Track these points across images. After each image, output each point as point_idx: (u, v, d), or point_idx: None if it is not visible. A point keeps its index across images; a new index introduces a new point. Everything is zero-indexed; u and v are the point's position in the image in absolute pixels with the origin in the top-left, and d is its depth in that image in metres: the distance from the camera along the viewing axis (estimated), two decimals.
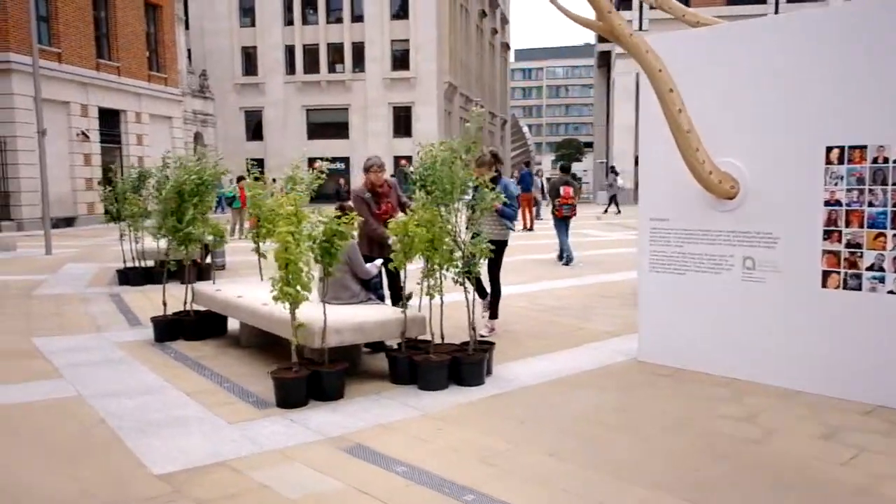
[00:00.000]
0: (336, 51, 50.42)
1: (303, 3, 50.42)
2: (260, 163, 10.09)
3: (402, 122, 49.49)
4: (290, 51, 50.77)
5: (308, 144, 49.08)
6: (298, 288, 5.21)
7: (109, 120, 30.31)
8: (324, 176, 8.30)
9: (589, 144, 58.16)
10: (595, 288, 10.56)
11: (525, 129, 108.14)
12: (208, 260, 11.89)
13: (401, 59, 49.65)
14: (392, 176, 31.93)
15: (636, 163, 40.22)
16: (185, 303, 7.73)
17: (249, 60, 51.62)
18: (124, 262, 11.96)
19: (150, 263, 11.85)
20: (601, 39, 50.14)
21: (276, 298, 5.25)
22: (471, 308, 5.80)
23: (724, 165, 5.51)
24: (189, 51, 47.91)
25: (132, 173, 11.91)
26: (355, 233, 5.82)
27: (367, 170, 7.19)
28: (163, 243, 11.40)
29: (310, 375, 5.28)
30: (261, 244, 7.97)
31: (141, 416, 5.01)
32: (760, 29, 5.68)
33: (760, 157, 5.42)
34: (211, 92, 48.02)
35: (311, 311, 5.53)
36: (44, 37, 26.00)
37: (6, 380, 6.00)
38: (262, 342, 7.09)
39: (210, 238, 7.84)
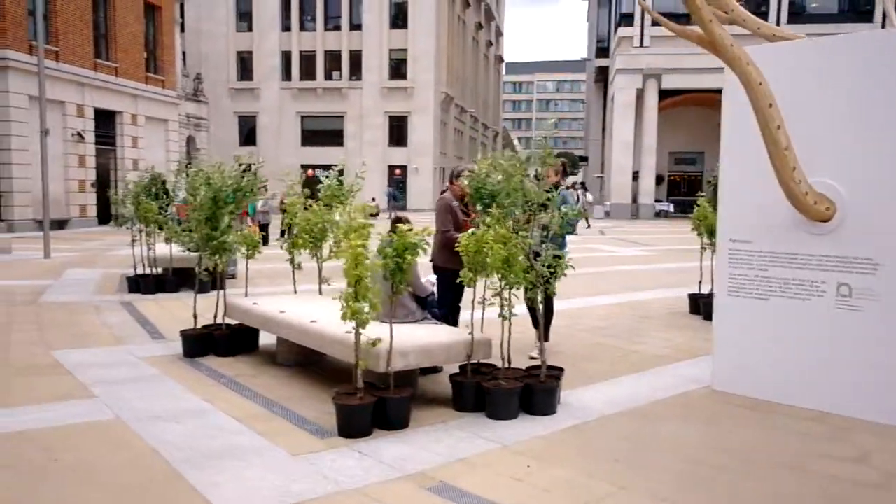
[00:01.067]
0: (333, 58, 50.07)
1: (300, 10, 50.06)
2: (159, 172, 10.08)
3: (398, 131, 49.17)
4: (286, 57, 50.36)
5: (302, 152, 48.65)
6: (367, 307, 4.79)
7: (105, 121, 29.69)
8: (360, 181, 7.95)
9: (584, 158, 57.99)
10: (631, 307, 10.19)
11: (516, 142, 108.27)
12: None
13: (398, 69, 49.40)
14: (388, 187, 31.19)
15: (634, 178, 40.15)
16: (216, 316, 7.27)
17: (245, 65, 51.17)
18: (135, 268, 11.45)
19: (159, 270, 11.36)
20: (599, 54, 50.18)
21: (344, 317, 4.82)
22: (540, 330, 5.40)
23: (819, 186, 5.16)
24: (184, 53, 47.34)
25: (145, 176, 11.43)
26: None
27: (457, 177, 6.79)
28: (175, 250, 11.12)
29: (375, 402, 4.86)
30: (296, 255, 7.61)
31: (194, 445, 4.56)
32: (868, 43, 5.35)
33: (861, 178, 5.08)
34: (205, 96, 47.42)
35: (368, 331, 5.10)
36: (41, 35, 25.40)
37: (36, 399, 5.53)
38: (301, 360, 6.66)
39: (243, 249, 7.36)
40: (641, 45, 38.96)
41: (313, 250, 7.58)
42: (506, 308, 5.25)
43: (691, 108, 41.73)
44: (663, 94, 39.27)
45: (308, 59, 50.20)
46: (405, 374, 5.35)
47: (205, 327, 7.25)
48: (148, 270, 11.44)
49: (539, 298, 5.41)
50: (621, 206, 39.49)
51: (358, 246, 4.77)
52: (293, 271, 7.61)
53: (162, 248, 11.32)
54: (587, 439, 4.78)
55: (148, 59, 32.84)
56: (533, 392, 5.22)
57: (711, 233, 8.81)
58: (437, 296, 6.58)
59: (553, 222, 5.61)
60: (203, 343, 7.04)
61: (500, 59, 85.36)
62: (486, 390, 5.19)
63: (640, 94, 39.28)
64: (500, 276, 5.24)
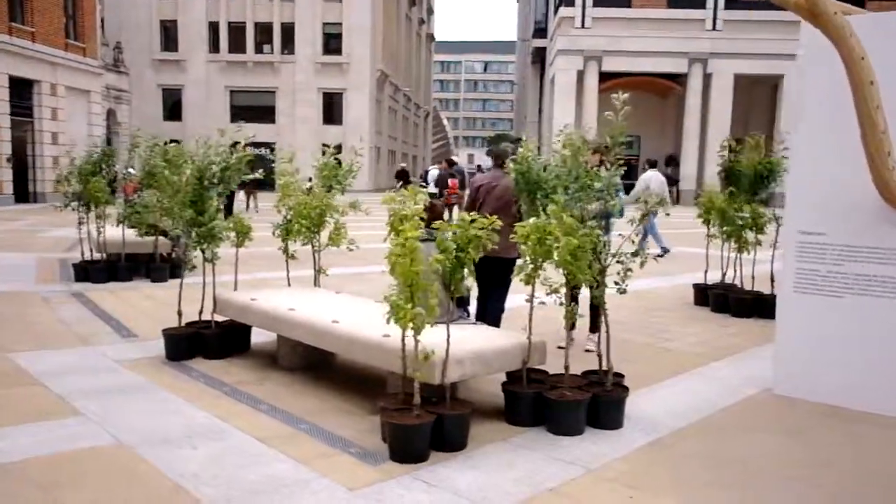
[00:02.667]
0: (264, 30, 48.13)
1: None
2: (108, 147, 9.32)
3: (333, 108, 47.76)
4: (213, 27, 48.11)
5: (231, 128, 46.61)
6: (422, 311, 4.08)
7: (21, 91, 27.49)
8: (359, 159, 7.24)
9: (520, 140, 57.59)
10: (634, 297, 9.68)
11: (445, 122, 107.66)
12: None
13: (332, 43, 47.89)
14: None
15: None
16: (201, 312, 6.39)
17: (169, 35, 48.65)
18: (82, 254, 10.31)
19: (102, 256, 10.23)
20: (536, 35, 49.92)
21: (398, 322, 4.10)
22: (608, 332, 4.82)
23: None
24: (102, 20, 44.59)
25: (94, 152, 10.26)
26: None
27: (502, 158, 6.14)
28: (129, 233, 10.05)
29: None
30: (290, 244, 6.80)
31: (225, 479, 3.78)
32: None
33: None
34: (126, 66, 44.79)
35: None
36: None
37: (9, 418, 4.60)
38: (306, 363, 5.90)
39: (232, 235, 6.48)
40: (583, 26, 38.78)
41: (308, 237, 6.80)
42: (567, 305, 4.63)
43: (629, 91, 41.82)
44: (602, 77, 39.25)
45: (237, 31, 48.07)
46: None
47: (189, 325, 6.37)
48: (96, 256, 10.32)
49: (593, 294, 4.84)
50: None
51: (415, 237, 4.05)
52: (286, 261, 6.80)
53: (113, 231, 10.20)
54: (674, 461, 4.22)
55: (67, 23, 30.55)
56: (600, 403, 4.64)
57: (723, 221, 8.40)
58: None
59: (615, 210, 5.06)
60: (190, 343, 6.17)
61: (431, 38, 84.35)
62: (550, 402, 4.57)
63: (580, 76, 39.16)
64: (565, 270, 4.61)
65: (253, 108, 47.65)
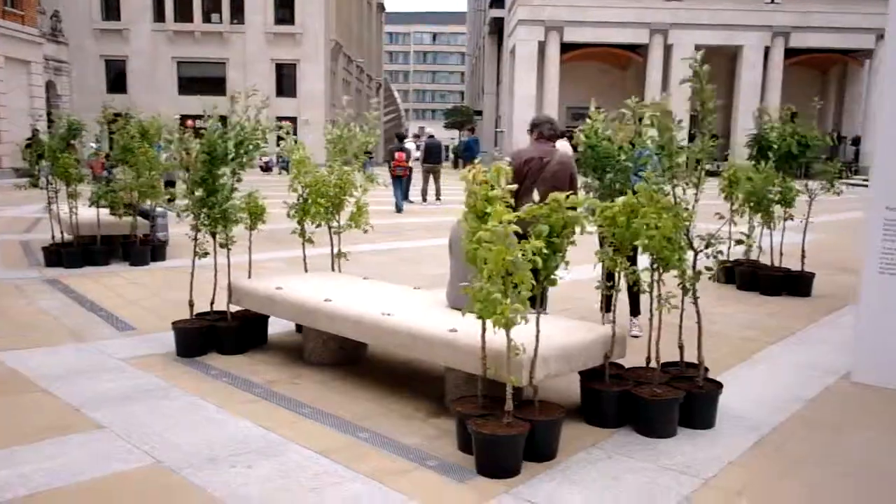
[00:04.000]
0: None
1: None
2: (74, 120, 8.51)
3: (286, 80, 46.30)
4: None
5: (179, 101, 44.76)
6: (517, 305, 3.54)
7: None
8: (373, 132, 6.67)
9: (478, 112, 57.09)
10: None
11: (396, 95, 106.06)
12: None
13: (284, 13, 46.28)
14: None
15: (571, 135, 39.55)
16: (213, 302, 5.74)
17: (110, 3, 46.36)
18: (52, 236, 9.45)
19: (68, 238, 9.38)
20: (493, 5, 49.18)
21: (489, 316, 3.56)
22: (701, 323, 4.35)
23: None
24: None
25: (60, 126, 9.35)
26: None
27: (564, 135, 5.61)
28: (104, 214, 9.23)
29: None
30: (307, 225, 6.18)
31: None
32: None
33: None
34: (64, 36, 42.55)
35: (460, 324, 3.94)
36: None
37: (21, 432, 3.93)
38: (339, 359, 5.32)
39: (244, 217, 5.80)
40: None
41: (325, 218, 6.19)
42: (666, 297, 4.15)
43: (589, 62, 41.61)
44: (563, 48, 38.86)
45: None
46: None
47: (200, 316, 5.71)
48: (67, 238, 9.47)
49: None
50: None
51: (508, 222, 3.51)
52: (303, 244, 6.18)
53: (86, 213, 9.35)
54: (796, 469, 3.79)
55: None
56: (693, 401, 4.19)
57: (752, 199, 7.97)
58: None
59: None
60: (204, 338, 5.53)
61: (381, 8, 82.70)
62: (641, 401, 4.10)
63: (541, 47, 38.68)
64: (656, 256, 4.13)
65: (202, 80, 45.88)
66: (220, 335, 5.54)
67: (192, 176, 5.48)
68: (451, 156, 45.90)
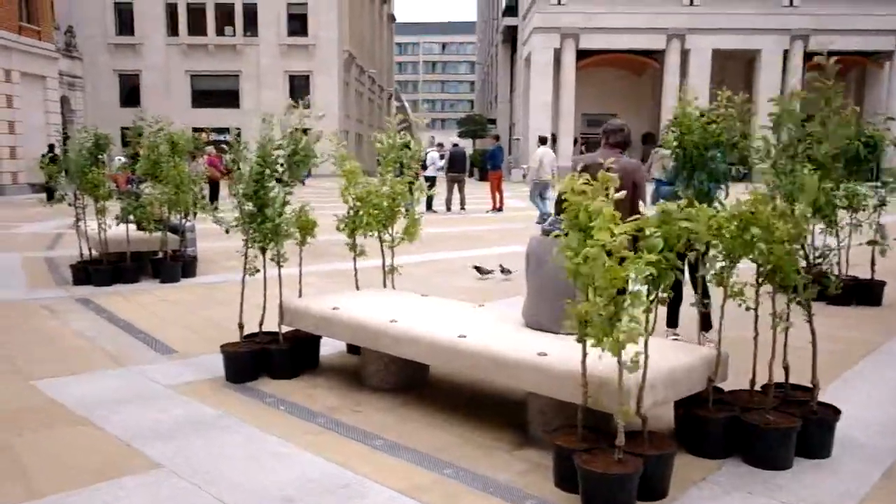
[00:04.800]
0: (225, 12, 46.30)
1: None
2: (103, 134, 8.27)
3: (300, 91, 46.09)
4: (171, 9, 46.16)
5: (193, 113, 44.72)
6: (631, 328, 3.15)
7: None
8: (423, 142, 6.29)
9: (492, 121, 56.75)
10: None
11: (406, 105, 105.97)
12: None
13: (298, 25, 46.21)
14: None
15: (554, 140, 39.22)
16: (262, 323, 5.37)
17: (124, 18, 46.55)
18: (80, 254, 9.13)
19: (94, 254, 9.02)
20: (506, 13, 48.96)
21: (600, 340, 3.17)
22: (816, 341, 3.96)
23: None
24: (52, 2, 42.34)
25: (85, 140, 9.02)
26: None
27: None
28: (132, 230, 8.90)
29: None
30: (358, 237, 5.82)
31: None
32: None
33: None
34: (79, 51, 42.58)
35: (538, 345, 3.57)
36: None
37: (68, 475, 3.56)
38: (401, 383, 4.94)
39: (291, 231, 5.43)
40: (559, 3, 37.92)
41: (378, 229, 5.83)
42: (781, 315, 3.76)
43: (603, 68, 41.25)
44: (579, 55, 38.53)
45: (196, 12, 46.14)
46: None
47: (249, 338, 5.34)
48: (90, 255, 9.15)
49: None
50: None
51: (622, 235, 3.12)
52: (354, 259, 5.81)
53: (115, 229, 9.02)
54: None
55: (20, 4, 28.62)
56: (809, 428, 3.78)
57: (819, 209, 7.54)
58: None
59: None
60: (256, 362, 5.16)
61: (392, 18, 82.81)
62: (754, 429, 3.70)
63: (556, 54, 38.36)
64: (767, 267, 3.74)
65: (216, 93, 45.95)
66: (272, 359, 5.17)
67: (245, 189, 5.11)
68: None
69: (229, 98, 45.68)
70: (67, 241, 12.21)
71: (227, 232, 5.27)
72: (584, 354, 3.44)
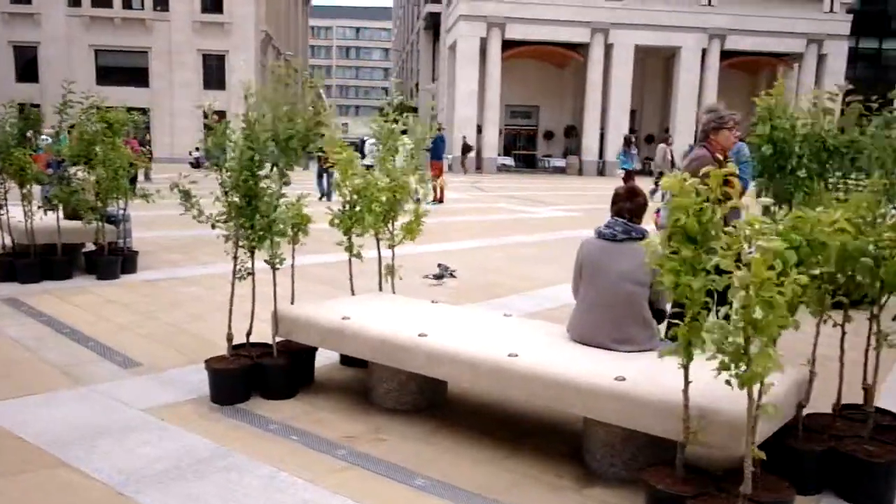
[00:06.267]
0: None
1: None
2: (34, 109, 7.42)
3: (215, 72, 44.13)
4: None
5: (97, 92, 41.98)
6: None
7: None
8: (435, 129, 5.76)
9: (414, 109, 55.88)
10: None
11: (321, 90, 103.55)
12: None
13: (212, 1, 44.06)
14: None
15: (479, 131, 39.02)
16: (249, 334, 4.66)
17: None
18: (3, 246, 8.05)
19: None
20: (429, 0, 48.32)
21: (726, 368, 2.70)
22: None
23: None
24: None
25: (6, 115, 7.92)
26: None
27: (718, 128, 4.70)
28: (61, 218, 7.90)
29: None
30: (354, 236, 5.17)
31: None
32: None
33: None
34: None
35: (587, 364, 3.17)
36: None
37: None
38: (417, 403, 4.35)
39: (287, 229, 4.71)
40: None
41: (379, 227, 5.20)
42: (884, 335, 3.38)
43: (527, 60, 41.22)
44: (504, 45, 38.34)
45: None
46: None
47: (237, 351, 4.62)
48: (13, 247, 8.09)
49: None
50: (465, 159, 38.27)
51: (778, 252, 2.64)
52: (349, 261, 5.15)
53: (42, 218, 7.98)
54: None
55: None
56: None
57: None
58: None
59: None
60: (247, 379, 4.45)
61: (306, 0, 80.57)
62: (855, 462, 3.31)
63: (482, 44, 38.03)
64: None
65: (123, 70, 43.36)
66: (266, 375, 4.48)
67: (234, 178, 4.38)
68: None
69: (138, 76, 43.16)
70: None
71: (213, 227, 4.50)
72: (687, 382, 2.97)
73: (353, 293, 5.23)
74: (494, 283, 8.45)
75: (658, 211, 6.53)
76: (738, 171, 4.30)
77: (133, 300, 7.03)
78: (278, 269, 4.58)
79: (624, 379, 3.30)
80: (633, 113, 41.04)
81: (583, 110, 39.41)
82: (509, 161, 41.51)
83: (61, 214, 7.99)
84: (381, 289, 5.37)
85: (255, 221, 4.45)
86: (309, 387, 4.73)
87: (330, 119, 5.15)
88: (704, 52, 39.79)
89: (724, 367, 2.71)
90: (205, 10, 43.92)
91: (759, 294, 2.60)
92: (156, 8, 43.62)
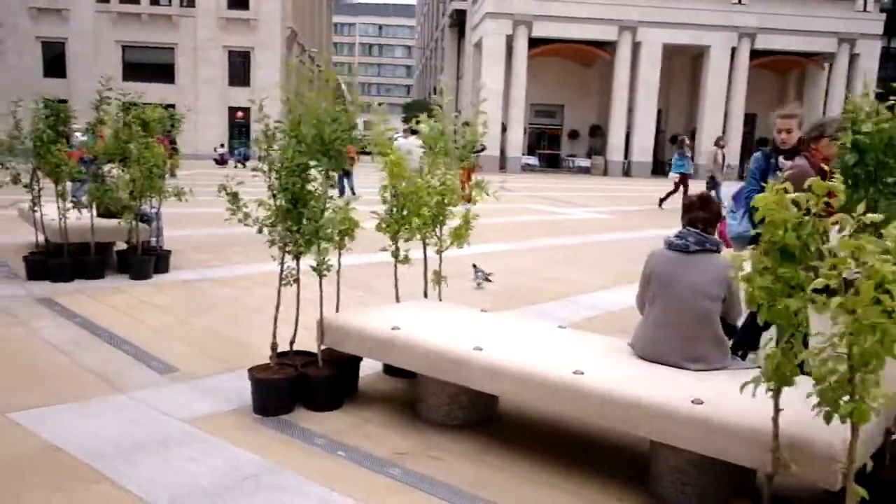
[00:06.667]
0: None
1: None
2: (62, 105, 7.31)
3: (240, 68, 44.23)
4: None
5: (124, 87, 42.11)
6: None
7: None
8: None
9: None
10: None
11: (344, 87, 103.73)
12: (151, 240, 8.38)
13: None
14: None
15: (503, 129, 38.74)
16: (293, 342, 4.49)
17: None
18: (36, 244, 7.96)
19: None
20: None
21: (829, 404, 2.47)
22: None
23: None
24: None
25: (39, 112, 7.81)
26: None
27: (818, 137, 4.49)
28: (97, 218, 7.81)
29: None
30: (401, 241, 4.98)
31: None
32: None
33: None
34: None
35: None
36: None
37: None
38: (468, 417, 4.15)
39: (334, 234, 4.52)
40: None
41: (427, 233, 5.01)
42: None
43: (553, 59, 40.89)
44: (531, 43, 38.04)
45: None
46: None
47: (282, 359, 4.44)
48: (46, 245, 7.99)
49: None
50: (489, 158, 37.98)
51: None
52: (395, 268, 4.97)
53: (75, 216, 7.88)
54: None
55: None
56: None
57: None
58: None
59: None
60: (292, 390, 4.28)
61: None
62: None
63: (508, 41, 37.76)
64: None
65: (149, 66, 43.56)
66: (311, 386, 4.30)
67: (283, 180, 4.20)
68: None
69: (164, 72, 43.35)
70: (5, 226, 10.90)
71: (259, 231, 4.33)
72: (777, 409, 2.75)
73: (397, 300, 5.05)
74: (530, 287, 8.23)
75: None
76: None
77: (167, 302, 6.91)
78: (325, 276, 4.39)
79: (702, 402, 3.08)
80: (658, 113, 40.58)
81: (608, 109, 38.98)
82: (533, 160, 41.21)
83: (94, 213, 7.89)
84: (426, 295, 5.19)
85: (301, 226, 4.28)
86: (353, 397, 4.55)
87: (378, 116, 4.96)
88: (733, 51, 39.20)
89: (826, 399, 2.48)
90: (231, 6, 44.00)
91: (866, 319, 2.37)
92: (182, 4, 43.79)
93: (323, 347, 4.54)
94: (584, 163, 40.86)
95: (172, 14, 43.63)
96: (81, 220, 7.77)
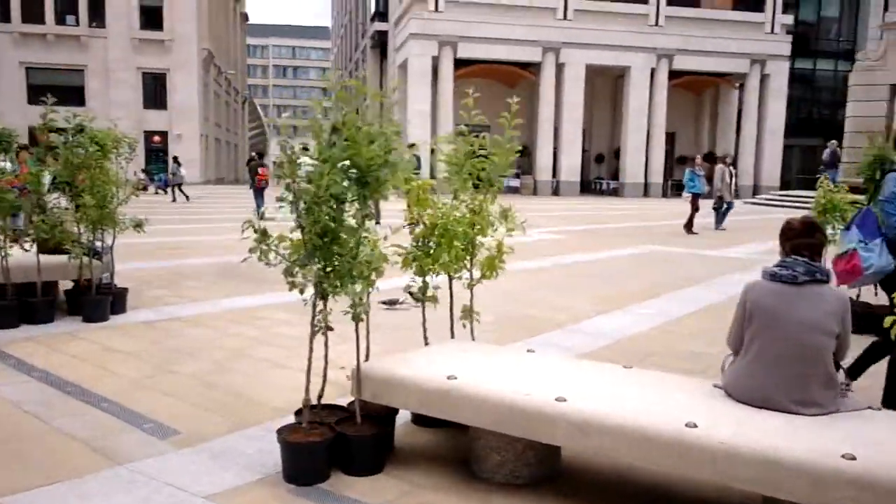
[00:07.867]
0: None
1: None
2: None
3: (155, 91, 42.50)
4: None
5: (29, 110, 39.87)
6: None
7: None
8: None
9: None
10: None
11: (260, 110, 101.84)
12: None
13: (152, 17, 42.51)
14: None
15: (432, 152, 38.41)
16: (321, 395, 3.92)
17: None
18: None
19: None
20: (376, 18, 47.78)
21: None
22: None
23: None
24: None
25: None
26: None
27: None
28: (32, 254, 6.95)
29: None
30: (430, 277, 4.50)
31: None
32: None
33: None
34: None
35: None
36: None
37: None
38: (534, 475, 3.68)
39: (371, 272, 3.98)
40: (437, 10, 37.20)
41: (455, 267, 4.54)
42: None
43: (477, 80, 40.86)
44: (457, 64, 38.03)
45: None
46: None
47: (314, 415, 3.85)
48: None
49: None
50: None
51: None
52: (423, 308, 4.47)
53: (20, 254, 7.03)
54: None
55: None
56: None
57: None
58: None
59: None
60: (329, 453, 3.70)
61: (245, 17, 79.27)
62: None
63: (434, 62, 37.61)
64: None
65: (57, 89, 40.82)
66: (350, 447, 3.73)
67: (315, 215, 3.65)
68: None
69: (73, 95, 41.12)
70: None
71: (288, 274, 3.75)
72: None
73: (426, 342, 4.54)
74: (526, 315, 7.79)
75: (843, 255, 4.96)
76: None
77: (135, 347, 6.15)
78: (362, 321, 3.83)
79: (854, 458, 2.71)
80: (583, 132, 41.19)
81: (534, 130, 39.29)
82: None
83: (34, 249, 7.05)
84: (452, 335, 4.70)
85: (334, 264, 3.72)
86: (391, 456, 4.00)
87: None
88: (653, 71, 40.24)
89: None
90: (144, 26, 42.32)
91: None
92: (91, 24, 41.82)
93: (350, 401, 4.00)
94: (514, 182, 40.95)
95: (81, 34, 41.60)
96: (24, 256, 6.91)
